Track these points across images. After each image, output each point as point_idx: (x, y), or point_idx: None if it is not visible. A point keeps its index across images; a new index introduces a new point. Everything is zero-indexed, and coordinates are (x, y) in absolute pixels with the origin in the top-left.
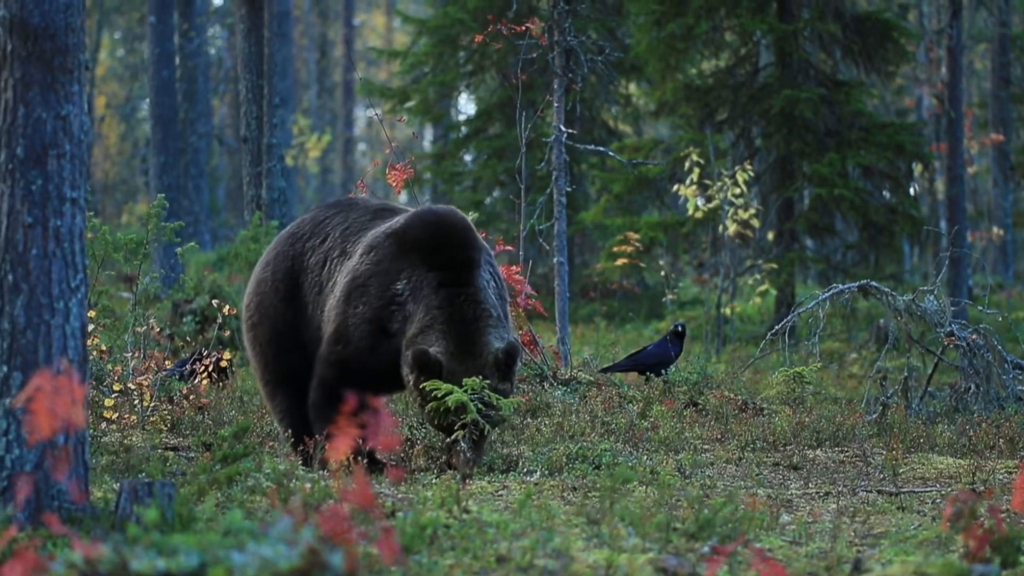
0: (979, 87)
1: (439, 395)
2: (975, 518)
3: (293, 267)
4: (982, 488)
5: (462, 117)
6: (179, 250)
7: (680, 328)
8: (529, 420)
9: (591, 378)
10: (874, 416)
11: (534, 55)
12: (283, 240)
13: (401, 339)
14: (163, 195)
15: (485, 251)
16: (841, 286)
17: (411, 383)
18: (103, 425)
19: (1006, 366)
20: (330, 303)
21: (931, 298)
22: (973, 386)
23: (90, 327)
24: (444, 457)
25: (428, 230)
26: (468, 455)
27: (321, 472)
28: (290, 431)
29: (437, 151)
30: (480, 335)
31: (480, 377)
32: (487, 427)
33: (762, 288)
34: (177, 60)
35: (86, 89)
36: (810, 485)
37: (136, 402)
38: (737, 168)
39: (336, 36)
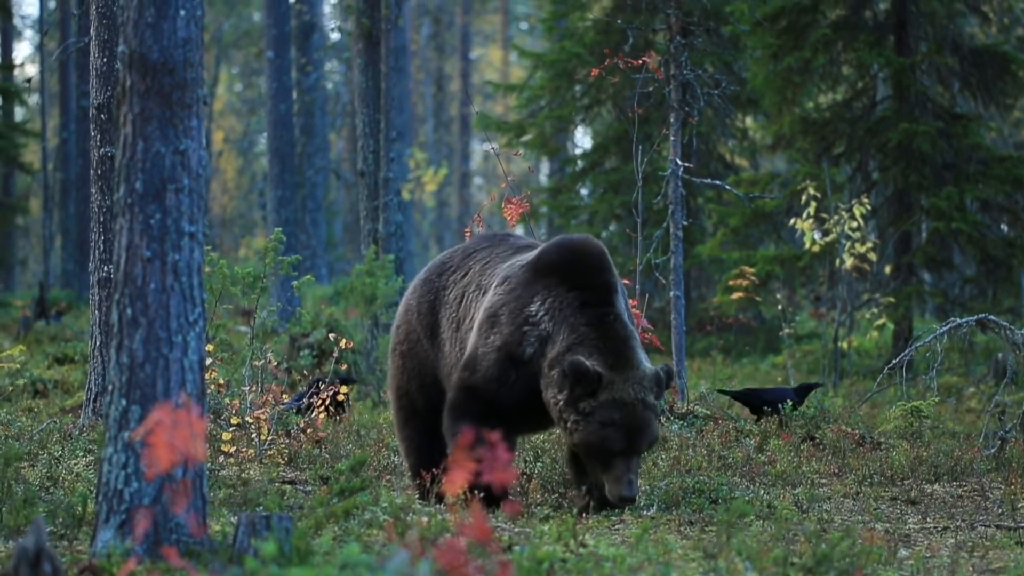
0: None
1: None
2: None
3: (435, 300)
4: None
5: (578, 151)
6: (296, 284)
7: (815, 385)
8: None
9: (708, 412)
10: (992, 450)
11: (650, 89)
12: (433, 269)
13: (537, 364)
14: (280, 229)
15: (617, 276)
16: (959, 320)
17: (562, 402)
18: (221, 458)
19: None
20: (468, 339)
21: None
22: None
23: (208, 361)
24: (577, 492)
25: (564, 254)
26: (633, 480)
27: (437, 506)
28: (410, 463)
29: (553, 185)
30: (634, 353)
31: (643, 391)
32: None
33: (879, 322)
34: (294, 95)
35: (204, 124)
36: (928, 520)
37: (254, 436)
38: (854, 202)
39: (452, 70)
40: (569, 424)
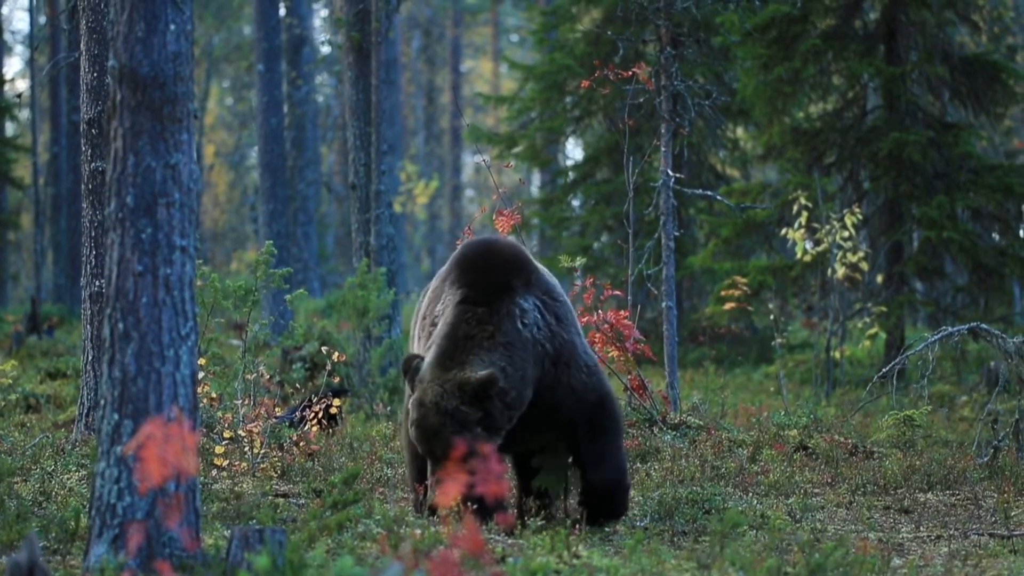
0: None
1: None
2: None
3: (420, 310)
4: None
5: (569, 162)
6: (288, 297)
7: None
8: (639, 465)
9: (701, 423)
10: (985, 459)
11: (641, 100)
12: (440, 275)
13: None
14: (272, 242)
15: (535, 283)
16: (951, 329)
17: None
18: (214, 472)
19: None
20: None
21: None
22: None
23: (200, 375)
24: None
25: (465, 251)
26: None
27: (430, 518)
28: (408, 471)
29: (545, 196)
30: (464, 352)
31: (441, 393)
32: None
33: (871, 331)
34: (285, 108)
35: (195, 138)
36: (921, 529)
37: (246, 449)
38: (845, 211)
39: (443, 83)
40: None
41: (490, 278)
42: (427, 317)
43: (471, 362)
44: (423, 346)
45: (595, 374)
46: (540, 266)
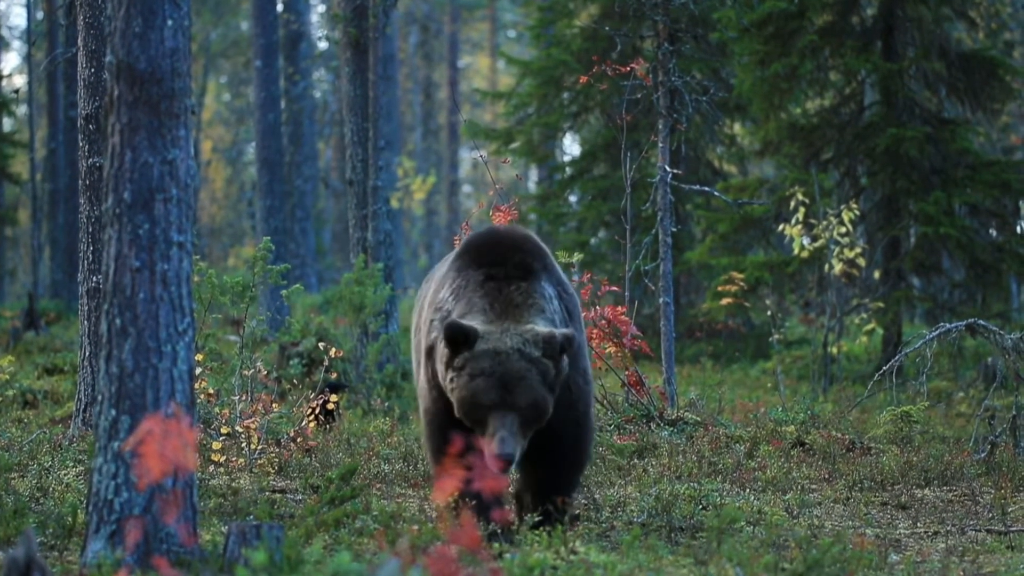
0: None
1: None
2: None
3: (420, 304)
4: None
5: (567, 158)
6: (285, 293)
7: None
8: (636, 460)
9: (698, 418)
10: (982, 455)
11: (638, 96)
12: (446, 263)
13: None
14: (269, 238)
15: (552, 271)
16: (948, 325)
17: (443, 368)
18: (211, 468)
19: None
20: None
21: None
22: None
23: (197, 370)
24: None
25: (482, 237)
26: (506, 438)
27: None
28: (430, 447)
29: (542, 192)
30: (527, 315)
31: (522, 341)
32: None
33: (869, 327)
34: (283, 104)
35: (192, 133)
36: (918, 524)
37: (244, 445)
38: (843, 207)
39: (441, 78)
40: (448, 387)
41: (513, 258)
42: (433, 305)
43: (535, 322)
44: (428, 336)
45: (589, 383)
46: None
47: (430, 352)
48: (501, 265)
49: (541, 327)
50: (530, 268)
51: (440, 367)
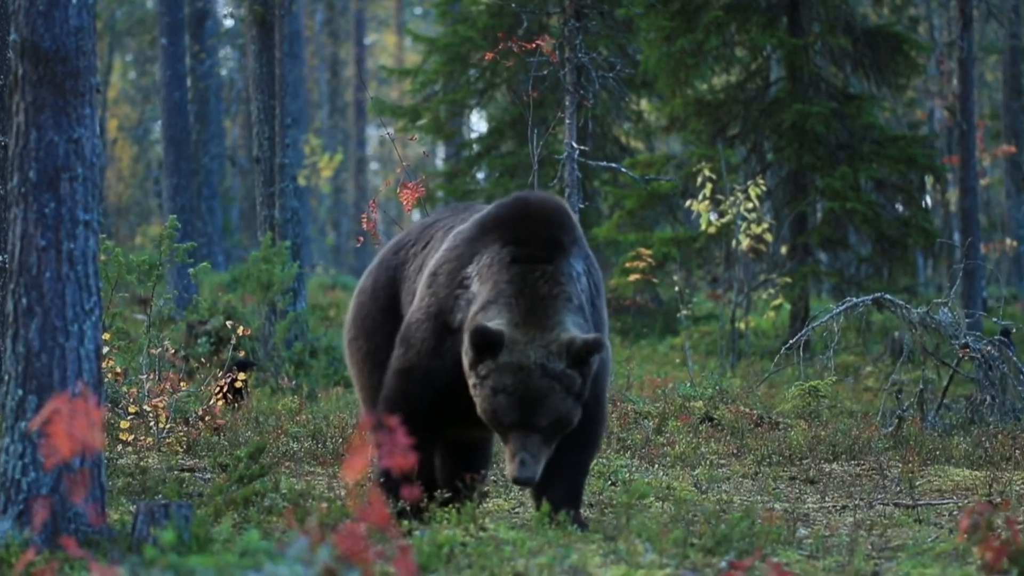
0: (991, 98)
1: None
2: (992, 530)
3: (394, 277)
4: (999, 500)
5: (474, 135)
6: (192, 271)
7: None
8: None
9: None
10: (890, 429)
11: (545, 72)
12: (389, 248)
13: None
14: (176, 216)
15: (581, 245)
16: (855, 299)
17: (467, 367)
18: (119, 447)
19: (1021, 377)
20: None
21: (945, 310)
22: (989, 398)
23: (105, 349)
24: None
25: (511, 209)
26: (527, 460)
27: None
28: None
29: (449, 169)
30: (552, 313)
31: (547, 354)
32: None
33: (776, 302)
34: (189, 82)
35: (98, 112)
36: (827, 499)
37: (152, 424)
38: (749, 183)
39: (347, 56)
40: (471, 390)
41: (540, 234)
42: (453, 275)
43: (563, 323)
44: (454, 312)
45: (606, 364)
46: None
47: (448, 325)
48: (527, 244)
49: (567, 333)
50: (559, 244)
51: (465, 360)
